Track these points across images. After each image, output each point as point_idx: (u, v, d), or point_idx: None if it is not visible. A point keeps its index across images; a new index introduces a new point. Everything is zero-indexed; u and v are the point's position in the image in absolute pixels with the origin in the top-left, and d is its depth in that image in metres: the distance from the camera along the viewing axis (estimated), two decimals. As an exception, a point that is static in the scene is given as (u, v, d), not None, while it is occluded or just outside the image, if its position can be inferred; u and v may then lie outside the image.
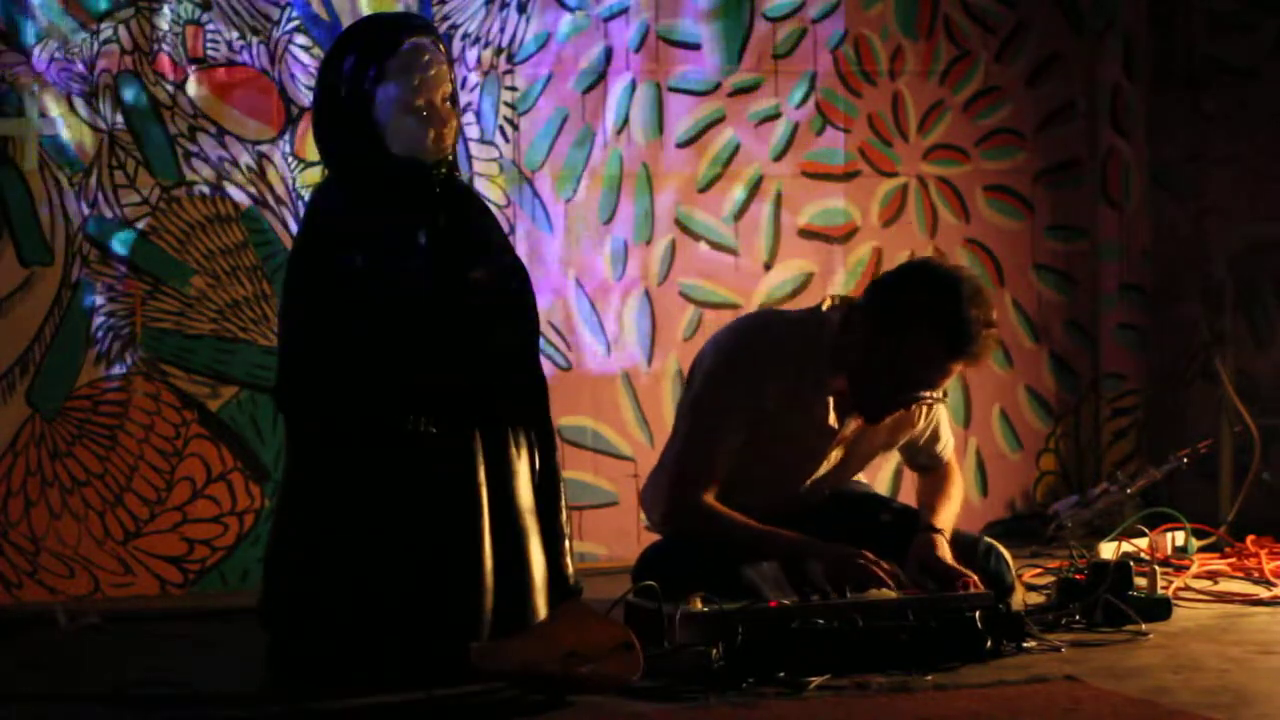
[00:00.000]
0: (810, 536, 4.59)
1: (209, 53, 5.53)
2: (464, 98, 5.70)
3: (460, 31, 5.74)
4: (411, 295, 4.31)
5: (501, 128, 5.80)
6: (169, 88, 5.50)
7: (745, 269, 6.04)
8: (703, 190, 6.01)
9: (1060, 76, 6.34)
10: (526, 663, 4.02)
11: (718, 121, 6.01)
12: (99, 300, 5.45)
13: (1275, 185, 6.07)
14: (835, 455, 4.73)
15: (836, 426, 4.65)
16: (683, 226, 5.99)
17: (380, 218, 4.36)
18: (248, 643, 4.47)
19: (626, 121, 5.92)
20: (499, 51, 5.80)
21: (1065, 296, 6.37)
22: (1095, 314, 6.40)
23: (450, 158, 4.44)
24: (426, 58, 4.35)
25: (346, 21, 5.48)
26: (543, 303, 5.12)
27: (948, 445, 4.89)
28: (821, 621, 4.22)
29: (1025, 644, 4.41)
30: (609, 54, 5.90)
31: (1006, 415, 6.30)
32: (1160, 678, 4.18)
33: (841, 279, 6.09)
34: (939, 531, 4.65)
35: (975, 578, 4.51)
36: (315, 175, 5.50)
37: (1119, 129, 6.39)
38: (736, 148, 6.03)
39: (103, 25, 5.44)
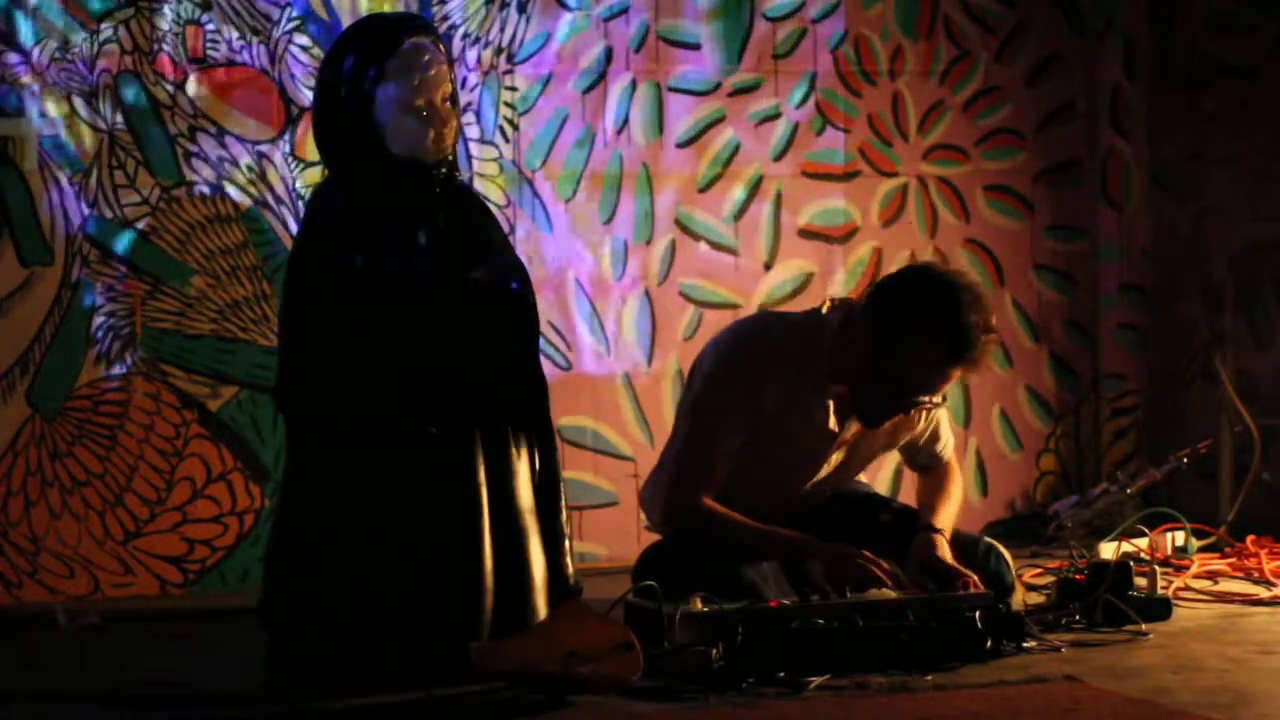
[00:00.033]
0: (810, 536, 4.59)
1: (209, 53, 5.53)
2: (464, 98, 5.70)
3: (460, 31, 5.75)
4: (411, 295, 4.31)
5: (501, 128, 5.80)
6: (169, 88, 5.50)
7: (745, 269, 6.04)
8: (703, 190, 6.01)
9: (1060, 76, 6.35)
10: (526, 663, 4.02)
11: (718, 121, 6.01)
12: (99, 300, 5.46)
13: (1275, 185, 6.07)
14: (836, 458, 4.73)
15: (837, 430, 4.65)
16: (683, 226, 5.99)
17: (380, 218, 4.36)
18: (248, 643, 4.47)
19: (626, 121, 5.92)
20: (499, 51, 5.80)
21: (1065, 296, 6.37)
22: (1095, 314, 6.40)
23: (450, 158, 4.44)
24: (426, 58, 4.35)
25: (346, 21, 5.48)
26: (542, 303, 5.12)
27: (948, 445, 4.89)
28: (821, 621, 4.22)
29: (1025, 644, 4.41)
30: (609, 54, 5.90)
31: (1006, 415, 6.30)
32: (1160, 678, 4.18)
33: (841, 279, 6.09)
34: (939, 531, 4.66)
35: (975, 578, 4.51)
36: (315, 175, 5.50)
37: (1119, 129, 6.39)
38: (736, 148, 6.03)
39: (103, 25, 5.44)
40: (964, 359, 4.49)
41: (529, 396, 4.44)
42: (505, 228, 5.40)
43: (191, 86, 5.52)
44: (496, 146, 5.79)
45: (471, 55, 5.76)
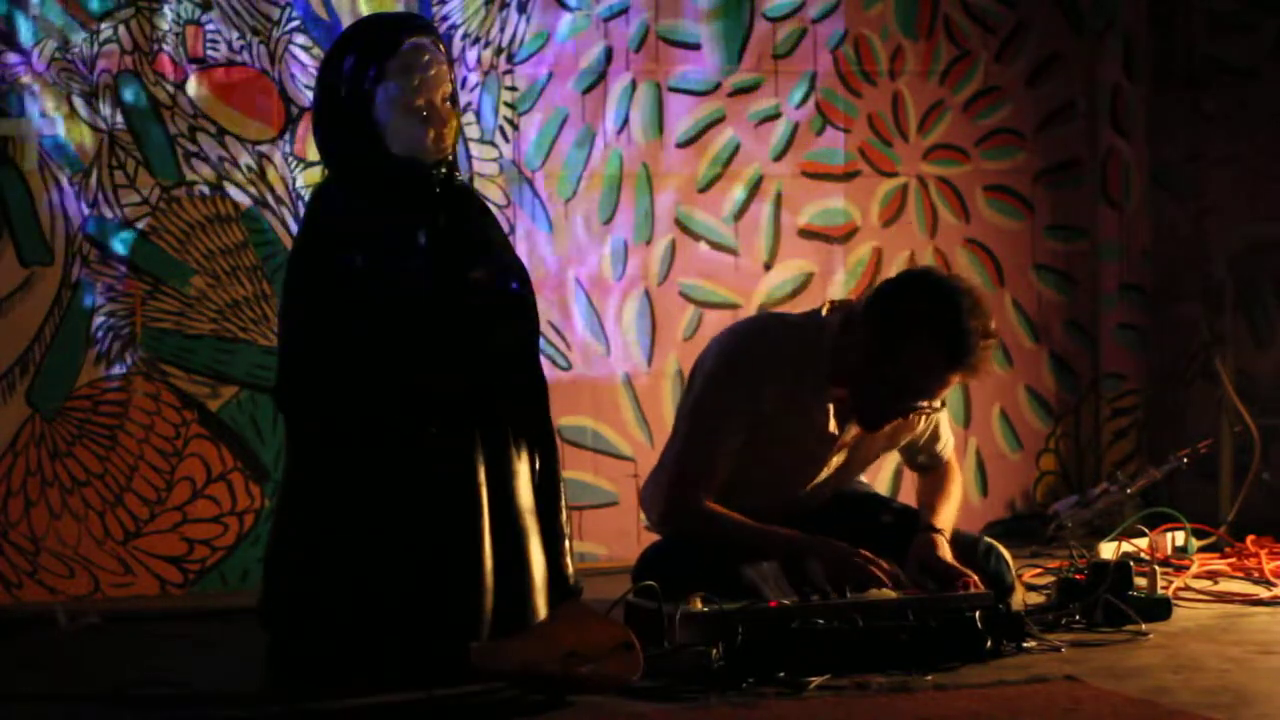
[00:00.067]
0: (809, 535, 4.58)
1: (209, 53, 5.53)
2: (464, 98, 5.70)
3: (460, 31, 5.75)
4: (411, 295, 4.30)
5: (501, 128, 5.80)
6: (169, 88, 5.50)
7: (745, 269, 6.04)
8: (703, 190, 6.01)
9: (1060, 76, 6.35)
10: (526, 663, 4.02)
11: (718, 121, 6.01)
12: (99, 300, 5.46)
13: (1275, 185, 6.07)
14: (836, 460, 4.73)
15: (837, 433, 4.65)
16: (683, 226, 5.99)
17: (380, 218, 4.36)
18: (248, 643, 4.47)
19: (626, 121, 5.92)
20: (499, 51, 5.80)
21: (1065, 296, 6.37)
22: (1095, 314, 6.40)
23: (450, 158, 4.44)
24: (426, 58, 4.35)
25: (346, 21, 5.48)
26: (542, 303, 5.12)
27: (947, 445, 4.89)
28: (821, 621, 4.22)
29: (1025, 644, 4.41)
30: (609, 54, 5.90)
31: (1006, 415, 6.30)
32: (1160, 678, 4.18)
33: (841, 279, 6.09)
34: (939, 531, 4.66)
35: (975, 578, 4.51)
36: (315, 175, 5.50)
37: (1119, 129, 6.39)
38: (736, 148, 6.03)
39: (103, 25, 5.44)
40: (963, 364, 4.49)
41: (529, 396, 4.44)
42: (505, 228, 5.40)
43: (191, 86, 5.52)
44: (496, 146, 5.79)
45: (471, 55, 5.76)
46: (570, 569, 4.43)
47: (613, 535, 5.81)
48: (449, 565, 4.24)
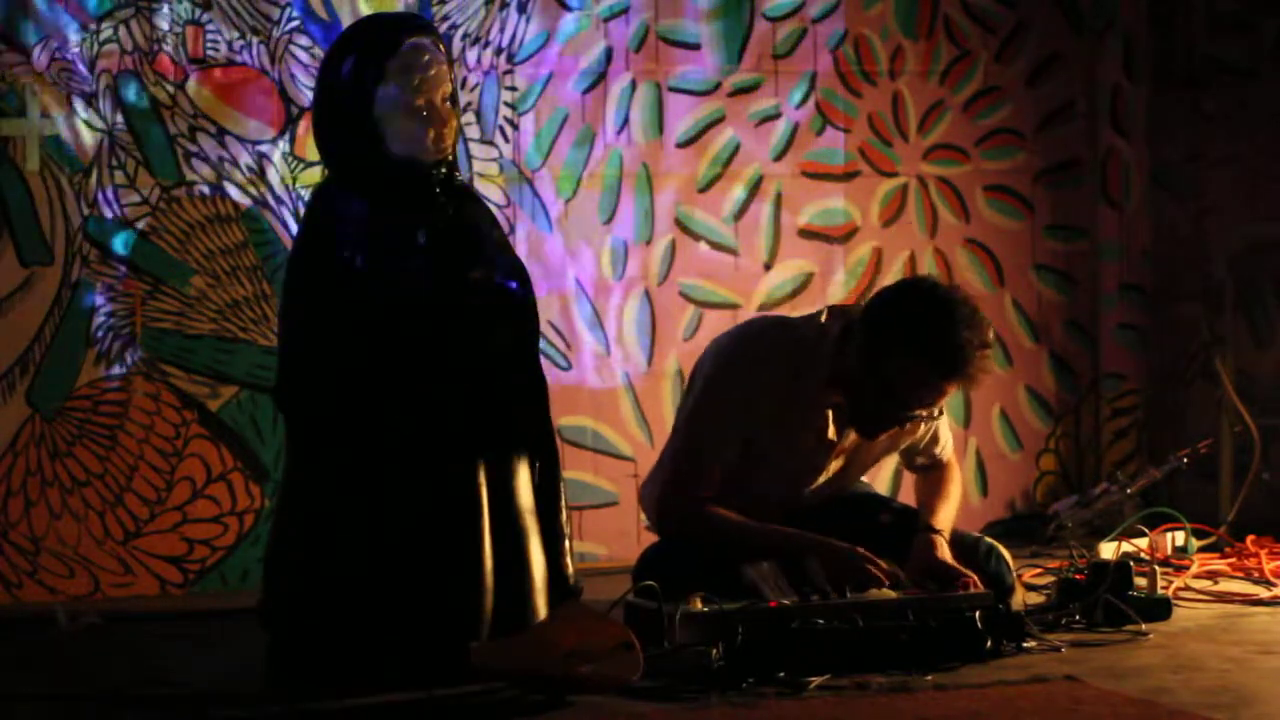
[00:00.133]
0: (808, 533, 4.58)
1: (209, 53, 5.53)
2: (464, 98, 5.70)
3: (460, 31, 5.75)
4: (411, 295, 4.30)
5: (501, 128, 5.80)
6: (169, 88, 5.50)
7: (745, 269, 6.04)
8: (703, 190, 6.01)
9: (1060, 76, 6.35)
10: (526, 663, 4.02)
11: (718, 121, 6.01)
12: (99, 300, 5.46)
13: (1275, 185, 6.07)
14: (835, 465, 4.73)
15: (835, 439, 4.65)
16: (683, 226, 5.99)
17: (380, 218, 4.35)
18: (248, 643, 4.46)
19: (626, 121, 5.92)
20: (499, 51, 5.80)
21: (1065, 296, 6.37)
22: (1095, 314, 6.40)
23: (450, 158, 4.44)
24: (426, 58, 4.34)
25: (346, 21, 5.48)
26: (542, 303, 5.12)
27: (947, 446, 4.89)
28: (821, 621, 4.22)
29: (1025, 644, 4.41)
30: (609, 54, 5.90)
31: (1006, 415, 6.30)
32: (1160, 678, 4.18)
33: (841, 279, 6.09)
34: (939, 532, 4.65)
35: (975, 578, 4.51)
36: (315, 175, 5.50)
37: (1119, 129, 6.39)
38: (736, 148, 6.03)
39: (103, 25, 5.44)
40: (958, 375, 4.49)
41: (529, 396, 4.44)
42: (505, 228, 5.40)
43: (191, 86, 5.52)
44: (496, 146, 5.79)
45: (471, 55, 5.76)
46: (570, 569, 4.43)
47: (613, 535, 5.81)
48: (449, 565, 4.23)
